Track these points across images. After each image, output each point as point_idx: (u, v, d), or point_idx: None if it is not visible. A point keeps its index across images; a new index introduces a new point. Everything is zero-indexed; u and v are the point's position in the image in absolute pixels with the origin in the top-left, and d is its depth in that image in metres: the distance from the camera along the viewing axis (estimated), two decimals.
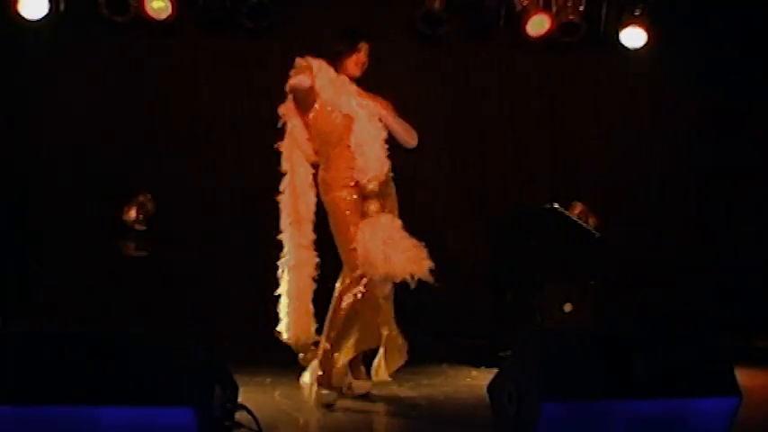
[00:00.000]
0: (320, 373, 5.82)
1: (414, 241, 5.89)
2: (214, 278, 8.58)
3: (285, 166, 6.07)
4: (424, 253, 5.88)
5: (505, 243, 8.10)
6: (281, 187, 6.07)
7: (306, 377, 6.01)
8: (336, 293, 6.01)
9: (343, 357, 5.88)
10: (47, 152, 8.58)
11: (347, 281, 5.95)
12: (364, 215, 5.96)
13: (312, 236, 6.07)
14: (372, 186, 5.97)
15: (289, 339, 6.04)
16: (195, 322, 8.05)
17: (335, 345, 5.86)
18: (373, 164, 5.97)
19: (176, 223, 8.55)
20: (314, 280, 6.10)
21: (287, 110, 6.05)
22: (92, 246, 8.33)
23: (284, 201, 6.07)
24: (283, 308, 6.07)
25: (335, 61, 6.02)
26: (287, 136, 6.07)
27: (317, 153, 6.07)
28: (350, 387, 6.00)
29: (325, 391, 5.76)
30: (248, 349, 7.45)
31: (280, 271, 6.11)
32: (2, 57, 8.39)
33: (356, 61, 6.02)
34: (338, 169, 5.99)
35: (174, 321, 8.07)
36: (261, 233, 8.38)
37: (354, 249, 5.82)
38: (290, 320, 6.03)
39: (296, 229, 6.04)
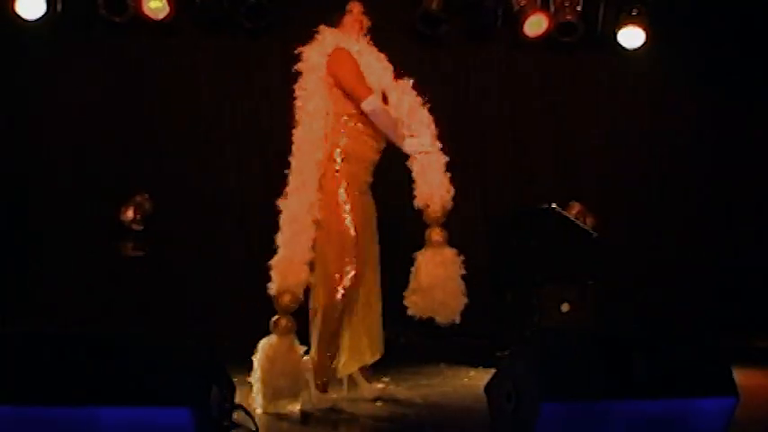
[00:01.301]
0: (318, 381, 5.76)
1: (462, 286, 5.88)
2: (212, 278, 8.59)
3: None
4: (463, 300, 5.88)
5: (504, 243, 8.10)
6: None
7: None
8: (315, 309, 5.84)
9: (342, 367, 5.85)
10: (46, 152, 8.60)
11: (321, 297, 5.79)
12: (427, 242, 5.91)
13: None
14: (438, 214, 5.91)
15: (273, 291, 5.63)
16: (193, 322, 8.07)
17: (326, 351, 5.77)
18: (438, 188, 5.91)
19: (175, 223, 8.59)
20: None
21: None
22: (90, 246, 8.35)
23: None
24: (277, 258, 5.72)
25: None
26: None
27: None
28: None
29: (325, 395, 5.74)
30: (246, 350, 7.39)
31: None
32: (0, 57, 8.41)
33: (352, 23, 5.98)
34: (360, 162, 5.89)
35: (172, 322, 8.08)
36: (260, 233, 8.44)
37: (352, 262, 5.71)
38: (280, 269, 5.66)
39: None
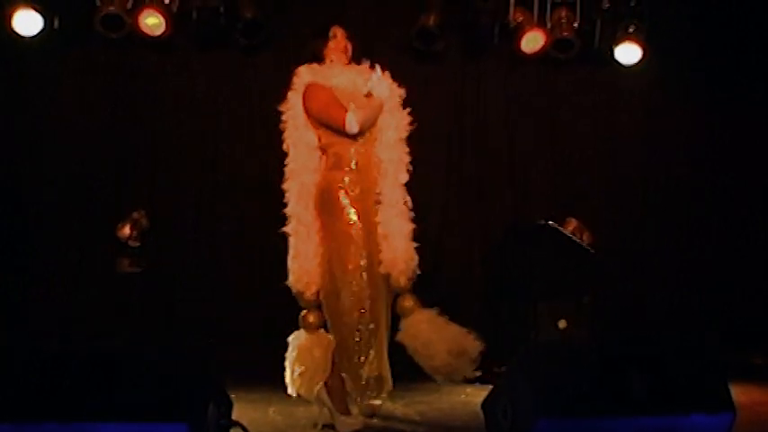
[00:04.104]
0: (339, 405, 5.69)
1: (457, 329, 5.73)
2: (210, 295, 8.55)
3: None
4: (468, 341, 5.73)
5: (501, 259, 8.09)
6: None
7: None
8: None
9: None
10: (42, 168, 8.58)
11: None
12: (399, 313, 5.78)
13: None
14: (401, 284, 5.74)
15: (293, 286, 5.70)
16: (190, 339, 8.03)
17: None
18: (402, 254, 5.72)
19: (172, 240, 8.57)
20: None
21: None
22: (87, 263, 8.38)
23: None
24: (291, 253, 5.74)
25: (320, 59, 5.88)
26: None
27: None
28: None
29: (347, 418, 5.66)
30: (243, 364, 7.38)
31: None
32: None
33: (335, 48, 5.86)
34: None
35: (168, 338, 8.08)
36: (257, 250, 8.50)
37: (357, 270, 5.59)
38: (295, 265, 5.70)
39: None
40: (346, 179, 5.67)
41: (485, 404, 4.69)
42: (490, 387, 4.79)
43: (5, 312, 7.97)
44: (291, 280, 5.70)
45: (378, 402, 5.91)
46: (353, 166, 5.71)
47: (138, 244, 8.07)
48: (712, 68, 9.15)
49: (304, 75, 5.81)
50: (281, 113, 5.80)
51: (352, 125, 5.59)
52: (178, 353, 4.42)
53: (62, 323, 8.19)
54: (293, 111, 5.78)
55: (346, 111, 5.61)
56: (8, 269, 8.14)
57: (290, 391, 5.70)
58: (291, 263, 5.71)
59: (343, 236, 5.61)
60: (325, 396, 5.66)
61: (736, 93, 9.25)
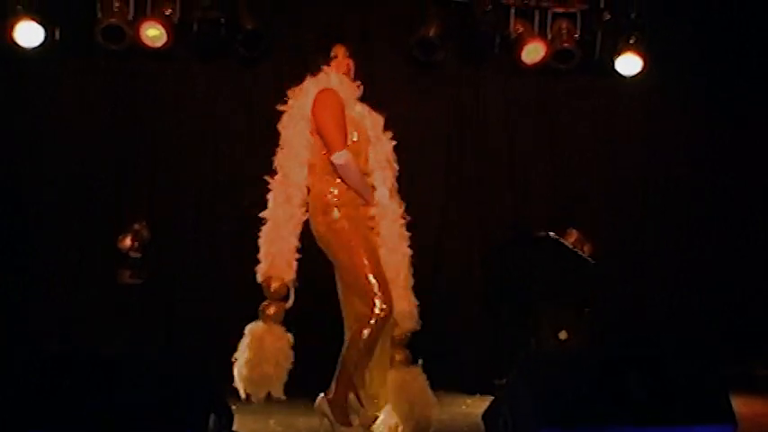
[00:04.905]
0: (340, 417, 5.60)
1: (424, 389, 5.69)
2: (210, 294, 8.54)
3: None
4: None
5: (501, 271, 8.11)
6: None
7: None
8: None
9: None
10: (43, 179, 8.57)
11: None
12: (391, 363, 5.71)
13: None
14: (402, 336, 5.69)
15: (263, 274, 5.61)
16: (191, 350, 7.95)
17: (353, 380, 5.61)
18: (408, 305, 5.67)
19: (172, 240, 8.57)
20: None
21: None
22: (87, 262, 8.39)
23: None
24: (263, 241, 5.66)
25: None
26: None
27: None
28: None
29: (348, 430, 5.58)
30: None
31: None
32: None
33: (338, 67, 5.78)
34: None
35: (169, 350, 8.04)
36: (257, 250, 8.45)
37: (366, 278, 5.50)
38: (265, 251, 5.63)
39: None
40: (336, 191, 5.62)
41: (485, 415, 4.69)
42: (490, 398, 4.76)
43: (5, 312, 7.95)
44: (263, 267, 5.61)
45: (380, 414, 5.83)
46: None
47: (139, 255, 8.04)
48: (711, 72, 9.16)
49: (333, 78, 5.73)
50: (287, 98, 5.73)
51: (340, 160, 5.51)
52: (180, 363, 4.42)
53: (62, 334, 8.16)
54: (304, 99, 5.67)
55: (345, 145, 5.55)
56: (8, 269, 8.11)
57: (237, 384, 5.38)
58: (266, 250, 5.62)
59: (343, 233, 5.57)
60: (326, 407, 5.58)
61: (737, 103, 9.25)
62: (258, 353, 5.41)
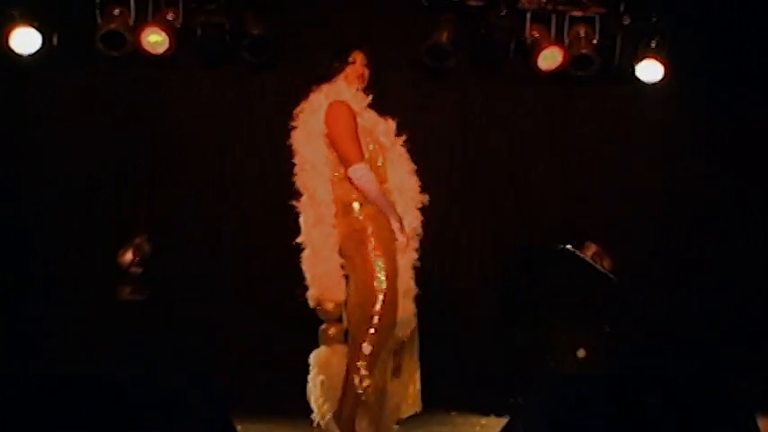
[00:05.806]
0: None
1: None
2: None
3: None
4: None
5: (517, 285, 7.99)
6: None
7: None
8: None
9: None
10: (42, 191, 8.52)
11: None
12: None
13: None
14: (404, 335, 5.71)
15: (312, 301, 5.68)
16: (195, 369, 7.81)
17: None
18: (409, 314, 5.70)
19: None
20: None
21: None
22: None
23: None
24: (307, 266, 5.69)
25: (330, 79, 5.80)
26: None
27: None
28: None
29: None
30: (250, 395, 7.33)
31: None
32: None
33: (354, 74, 5.76)
34: None
35: (174, 368, 7.88)
36: (261, 273, 8.43)
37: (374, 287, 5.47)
38: (311, 277, 5.66)
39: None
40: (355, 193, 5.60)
41: None
42: (505, 419, 4.62)
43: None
44: (313, 292, 5.65)
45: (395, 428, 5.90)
46: None
47: (140, 270, 7.93)
48: (737, 87, 8.99)
49: (342, 88, 5.72)
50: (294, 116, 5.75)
51: (357, 174, 5.52)
52: (184, 385, 4.31)
53: (64, 351, 7.95)
54: (316, 114, 5.66)
55: (362, 157, 5.56)
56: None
57: (314, 416, 5.60)
58: (312, 274, 5.65)
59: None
60: (333, 426, 5.52)
61: (762, 112, 9.10)
62: (329, 376, 5.57)
